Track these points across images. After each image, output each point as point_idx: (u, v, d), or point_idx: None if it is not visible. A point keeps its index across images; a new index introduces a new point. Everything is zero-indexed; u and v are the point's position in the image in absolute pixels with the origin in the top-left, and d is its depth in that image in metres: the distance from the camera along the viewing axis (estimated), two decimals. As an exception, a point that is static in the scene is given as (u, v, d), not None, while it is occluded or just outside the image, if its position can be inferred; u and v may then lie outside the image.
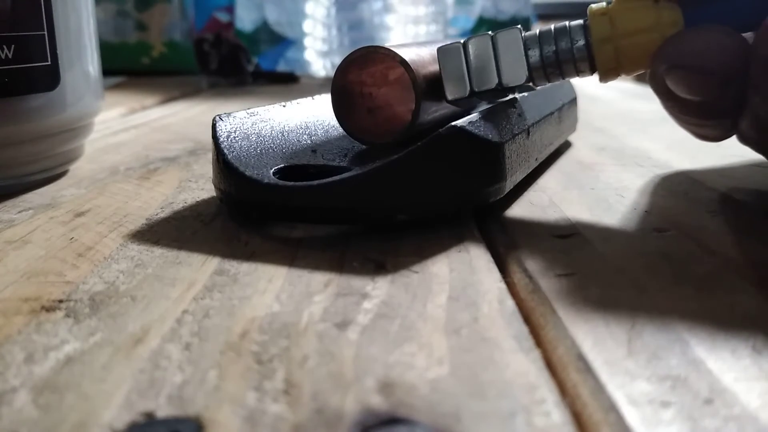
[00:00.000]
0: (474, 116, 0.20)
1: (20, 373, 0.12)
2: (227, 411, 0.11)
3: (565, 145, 0.31)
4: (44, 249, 0.18)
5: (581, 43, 0.21)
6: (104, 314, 0.14)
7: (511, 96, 0.23)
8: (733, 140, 0.23)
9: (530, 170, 0.23)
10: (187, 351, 0.13)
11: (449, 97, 0.22)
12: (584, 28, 0.21)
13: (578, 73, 0.21)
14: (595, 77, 0.22)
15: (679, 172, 0.26)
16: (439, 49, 0.22)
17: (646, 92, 0.55)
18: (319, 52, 0.70)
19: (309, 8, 0.70)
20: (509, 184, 0.21)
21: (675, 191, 0.24)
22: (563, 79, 0.22)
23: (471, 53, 0.21)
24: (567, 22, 0.21)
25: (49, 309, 0.15)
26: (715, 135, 0.23)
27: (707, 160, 0.28)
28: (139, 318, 0.14)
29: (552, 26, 0.21)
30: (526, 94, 0.25)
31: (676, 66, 0.20)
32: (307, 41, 0.71)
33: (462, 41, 0.22)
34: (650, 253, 0.18)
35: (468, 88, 0.22)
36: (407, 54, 0.21)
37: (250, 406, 0.11)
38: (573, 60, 0.21)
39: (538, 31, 0.21)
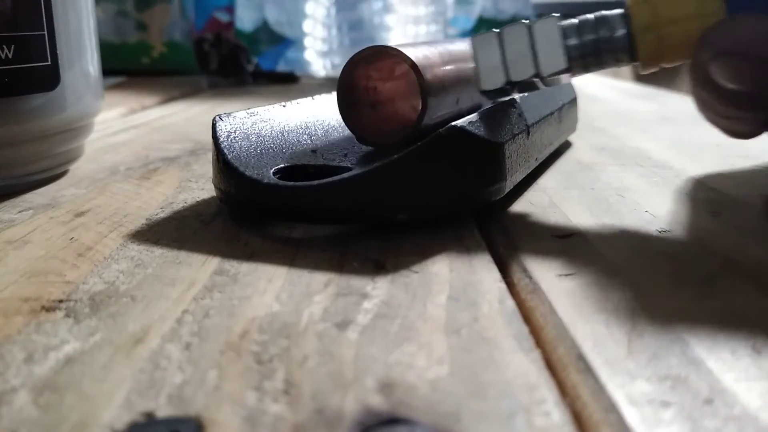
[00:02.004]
0: (474, 116, 0.20)
1: (20, 373, 0.12)
2: (227, 411, 0.11)
3: (565, 145, 0.31)
4: (44, 249, 0.18)
5: (622, 32, 0.20)
6: (104, 314, 0.14)
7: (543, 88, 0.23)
8: (734, 140, 0.23)
9: (530, 170, 0.23)
10: (187, 351, 0.13)
11: (484, 87, 0.21)
12: (624, 17, 0.20)
13: (617, 62, 0.21)
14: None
15: (679, 172, 0.26)
16: (473, 39, 0.22)
17: (647, 92, 0.56)
18: (319, 52, 0.70)
19: (309, 8, 0.70)
20: (509, 184, 0.21)
21: (675, 191, 0.24)
22: (602, 68, 0.21)
23: (506, 42, 0.21)
24: (605, 12, 0.21)
25: (49, 309, 0.15)
26: (748, 130, 0.22)
27: (708, 160, 0.28)
28: (139, 318, 0.14)
29: (591, 15, 0.21)
30: (526, 94, 0.25)
31: (723, 53, 0.20)
32: (307, 41, 0.71)
33: (497, 30, 0.21)
34: (650, 253, 0.18)
35: (504, 78, 0.21)
36: (416, 55, 0.21)
37: (250, 406, 0.11)
38: (613, 49, 0.21)
39: (576, 20, 0.21)
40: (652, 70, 0.21)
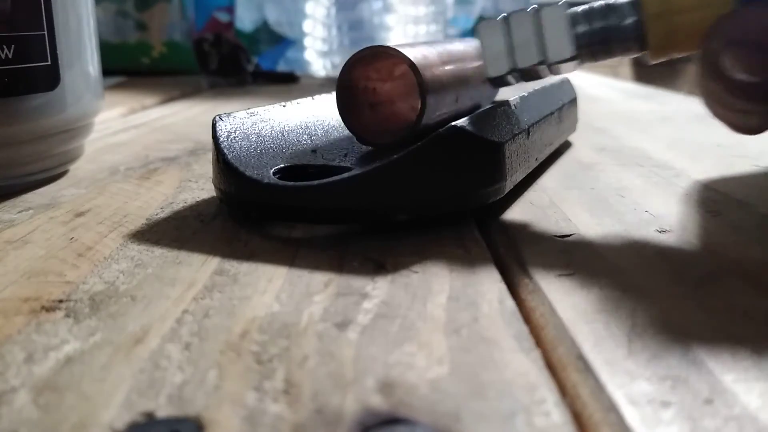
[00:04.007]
0: (474, 116, 0.20)
1: (20, 373, 0.12)
2: (227, 411, 0.11)
3: (565, 145, 0.31)
4: (44, 249, 0.18)
5: (632, 20, 0.20)
6: (104, 314, 0.14)
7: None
8: (735, 140, 0.23)
9: (530, 170, 0.23)
10: (187, 351, 0.13)
11: (490, 74, 0.21)
12: (634, 5, 0.20)
13: (626, 51, 0.21)
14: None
15: (679, 172, 0.26)
16: (479, 25, 0.21)
17: (647, 92, 0.56)
18: (319, 52, 0.70)
19: (309, 8, 0.70)
20: (509, 184, 0.21)
21: (675, 191, 0.24)
22: (609, 57, 0.21)
23: (513, 28, 0.21)
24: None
25: (49, 309, 0.15)
26: (756, 125, 0.22)
27: (708, 160, 0.28)
28: (139, 318, 0.14)
29: (599, 2, 0.20)
30: (526, 93, 0.25)
31: (734, 42, 0.19)
32: (307, 41, 0.71)
33: (504, 15, 0.21)
34: (650, 253, 0.18)
35: (509, 65, 0.21)
36: (414, 55, 0.21)
37: (250, 406, 0.11)
38: (622, 38, 0.20)
39: (585, 8, 0.21)
40: (662, 59, 0.21)
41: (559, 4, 0.21)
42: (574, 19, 0.20)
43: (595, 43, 0.20)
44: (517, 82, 0.22)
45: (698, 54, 0.20)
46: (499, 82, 0.22)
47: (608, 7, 0.20)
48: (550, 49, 0.20)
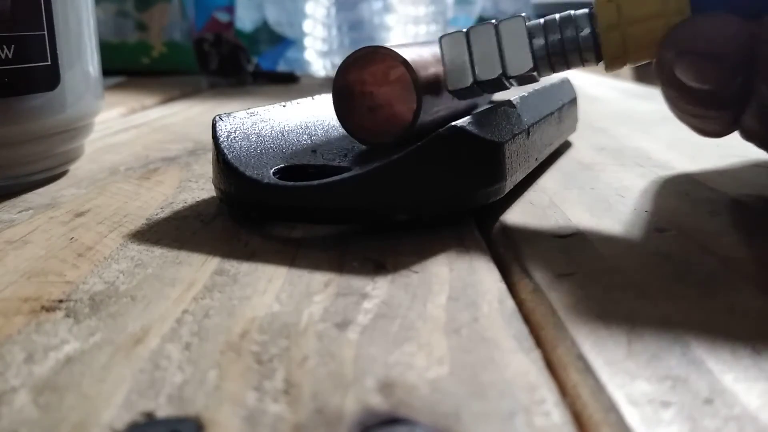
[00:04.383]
0: (474, 116, 0.20)
1: (20, 373, 0.12)
2: (227, 411, 0.11)
3: (565, 145, 0.31)
4: (44, 249, 0.18)
5: (587, 31, 0.20)
6: (104, 314, 0.14)
7: (512, 88, 0.23)
8: (735, 140, 0.23)
9: (530, 170, 0.23)
10: (187, 351, 0.13)
11: (450, 87, 0.21)
12: (590, 16, 0.21)
13: (583, 62, 0.21)
14: (599, 68, 0.21)
15: (679, 172, 0.26)
16: (441, 38, 0.22)
17: (646, 92, 0.56)
18: (319, 52, 0.70)
19: (309, 8, 0.70)
20: (509, 184, 0.21)
21: (675, 191, 0.24)
22: (568, 68, 0.21)
23: (474, 42, 0.21)
24: (572, 11, 0.21)
25: (49, 309, 0.15)
26: (716, 130, 0.22)
27: (708, 160, 0.28)
28: (139, 318, 0.14)
29: (557, 15, 0.21)
30: (525, 93, 0.25)
31: (686, 51, 0.20)
32: (307, 41, 0.71)
33: (465, 29, 0.21)
34: (650, 253, 0.18)
35: (471, 78, 0.21)
36: (408, 54, 0.21)
37: (250, 406, 0.11)
38: (578, 49, 0.21)
39: (542, 20, 0.21)
40: (618, 69, 0.21)
41: (518, 16, 0.21)
42: (533, 32, 0.21)
43: (553, 54, 0.21)
44: (482, 94, 0.22)
45: (654, 63, 0.21)
46: (461, 93, 0.22)
47: (565, 19, 0.21)
48: (510, 62, 0.21)
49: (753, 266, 0.17)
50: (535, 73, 0.21)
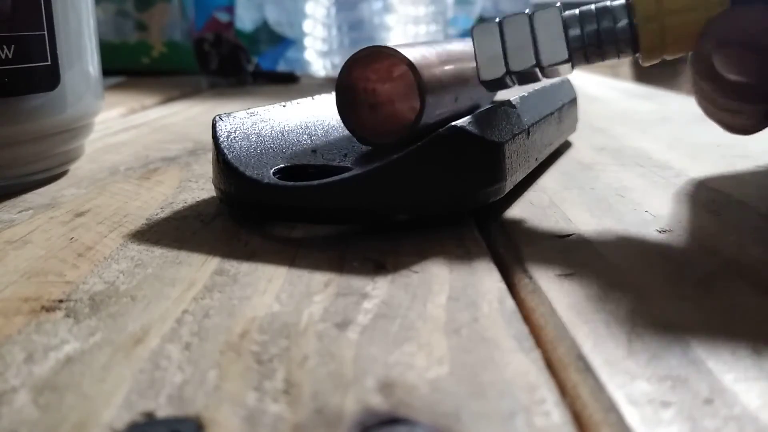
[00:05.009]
0: (474, 116, 0.20)
1: (20, 373, 0.12)
2: (227, 411, 0.11)
3: (565, 145, 0.31)
4: (44, 249, 0.18)
5: (624, 22, 0.20)
6: (104, 314, 0.14)
7: (544, 80, 0.22)
8: (735, 140, 0.23)
9: (530, 170, 0.23)
10: (187, 351, 0.13)
11: (483, 77, 0.21)
12: (627, 7, 0.20)
13: (619, 54, 0.21)
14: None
15: (679, 172, 0.26)
16: (473, 28, 0.21)
17: (647, 92, 0.56)
18: (319, 52, 0.70)
19: (309, 8, 0.70)
20: (509, 184, 0.21)
21: (675, 191, 0.24)
22: (602, 60, 0.21)
23: (507, 32, 0.21)
24: (608, 2, 0.21)
25: (49, 309, 0.15)
26: (748, 125, 0.22)
27: (708, 160, 0.28)
28: (139, 318, 0.14)
29: (592, 6, 0.21)
30: (525, 93, 0.25)
31: (726, 42, 0.19)
32: (307, 41, 0.71)
33: (498, 19, 0.21)
34: (650, 253, 0.18)
35: (504, 68, 0.21)
36: (413, 55, 0.21)
37: (250, 406, 0.11)
38: (615, 40, 0.20)
39: (578, 11, 0.21)
40: (654, 61, 0.21)
41: (553, 7, 0.21)
42: (568, 23, 0.21)
43: (589, 45, 0.21)
44: (513, 85, 0.22)
45: (691, 55, 0.20)
46: (493, 85, 0.22)
47: (602, 10, 0.20)
48: (544, 53, 0.21)
49: (753, 266, 0.17)
50: (570, 64, 0.21)
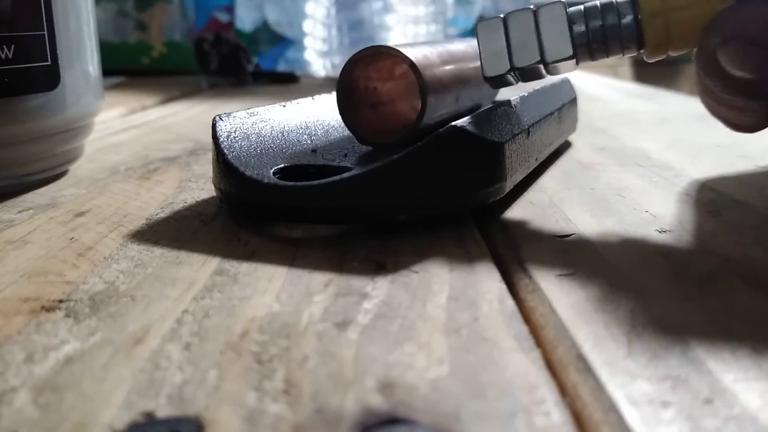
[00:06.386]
0: (474, 116, 0.20)
1: (20, 373, 0.12)
2: (227, 411, 0.11)
3: (565, 145, 0.31)
4: (44, 249, 0.18)
5: (629, 18, 0.20)
6: (104, 314, 0.14)
7: (544, 80, 0.22)
8: (735, 139, 0.23)
9: (530, 170, 0.23)
10: (187, 351, 0.13)
11: (487, 73, 0.21)
12: (632, 3, 0.20)
13: (624, 50, 0.21)
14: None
15: (679, 172, 0.26)
16: (477, 24, 0.21)
17: (647, 92, 0.56)
18: (319, 52, 0.70)
19: (309, 8, 0.70)
20: (509, 184, 0.21)
21: (675, 191, 0.24)
22: (607, 56, 0.21)
23: (511, 27, 0.21)
24: None
25: (49, 309, 0.15)
26: (752, 122, 0.22)
27: (708, 160, 0.28)
28: (139, 318, 0.14)
29: (597, 2, 0.21)
30: (525, 93, 0.25)
31: (731, 38, 0.19)
32: (307, 41, 0.71)
33: (502, 15, 0.21)
34: (650, 253, 0.18)
35: (507, 65, 0.21)
36: (415, 55, 0.21)
37: (250, 406, 0.11)
38: (620, 36, 0.20)
39: (582, 6, 0.21)
40: (659, 57, 0.21)
41: (558, 2, 0.20)
42: (573, 18, 0.20)
43: (593, 42, 0.20)
44: (516, 82, 0.22)
45: (696, 51, 0.20)
46: (497, 81, 0.22)
47: (606, 6, 0.20)
48: (548, 49, 0.20)
49: (753, 266, 0.17)
50: (574, 60, 0.21)
